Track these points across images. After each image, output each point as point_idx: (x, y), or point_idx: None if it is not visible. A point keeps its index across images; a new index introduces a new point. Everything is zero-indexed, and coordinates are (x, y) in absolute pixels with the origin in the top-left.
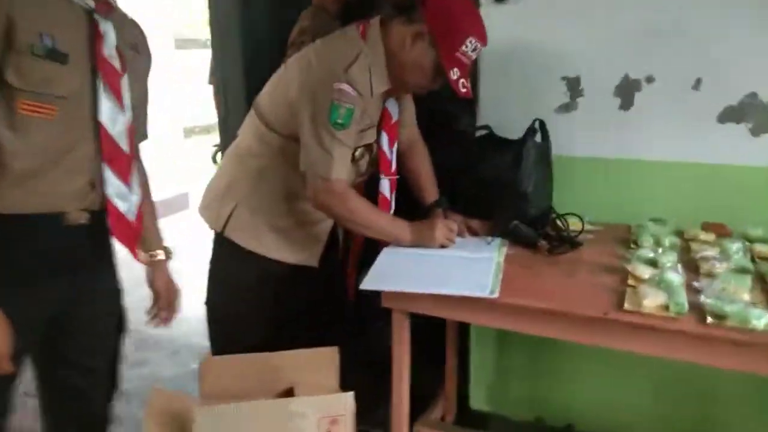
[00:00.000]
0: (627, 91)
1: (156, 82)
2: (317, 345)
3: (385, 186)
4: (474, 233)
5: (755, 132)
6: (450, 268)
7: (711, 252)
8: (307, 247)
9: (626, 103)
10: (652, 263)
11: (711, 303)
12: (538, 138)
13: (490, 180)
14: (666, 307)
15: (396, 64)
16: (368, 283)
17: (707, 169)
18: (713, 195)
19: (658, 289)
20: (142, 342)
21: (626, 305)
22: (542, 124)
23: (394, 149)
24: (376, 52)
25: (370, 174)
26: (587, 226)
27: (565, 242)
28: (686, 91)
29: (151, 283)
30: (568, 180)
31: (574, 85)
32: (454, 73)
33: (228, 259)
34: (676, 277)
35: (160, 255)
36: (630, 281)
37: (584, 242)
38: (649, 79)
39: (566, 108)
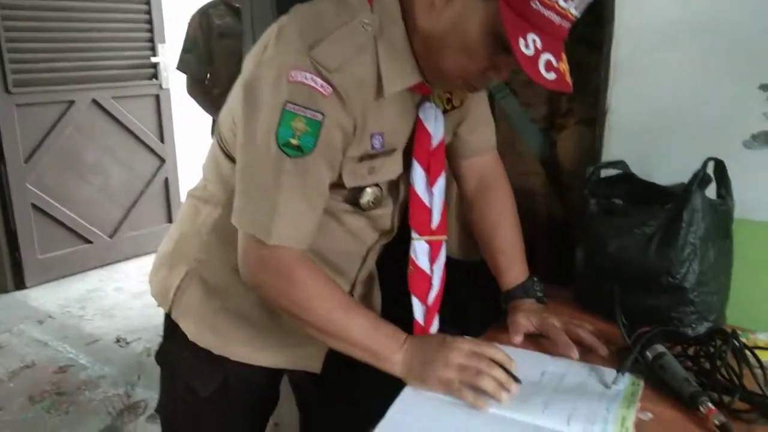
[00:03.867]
0: None
1: None
2: None
3: (422, 252)
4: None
5: None
6: None
7: None
8: (293, 345)
9: None
10: None
11: None
12: (711, 191)
13: (622, 258)
14: None
15: (421, 38)
16: None
17: None
18: None
19: None
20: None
21: None
22: (720, 166)
23: (438, 190)
24: (388, 17)
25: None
26: None
27: (757, 408)
28: None
29: None
30: (755, 266)
31: None
32: (528, 44)
33: (179, 354)
34: None
35: None
36: None
37: None
38: None
39: (766, 140)
